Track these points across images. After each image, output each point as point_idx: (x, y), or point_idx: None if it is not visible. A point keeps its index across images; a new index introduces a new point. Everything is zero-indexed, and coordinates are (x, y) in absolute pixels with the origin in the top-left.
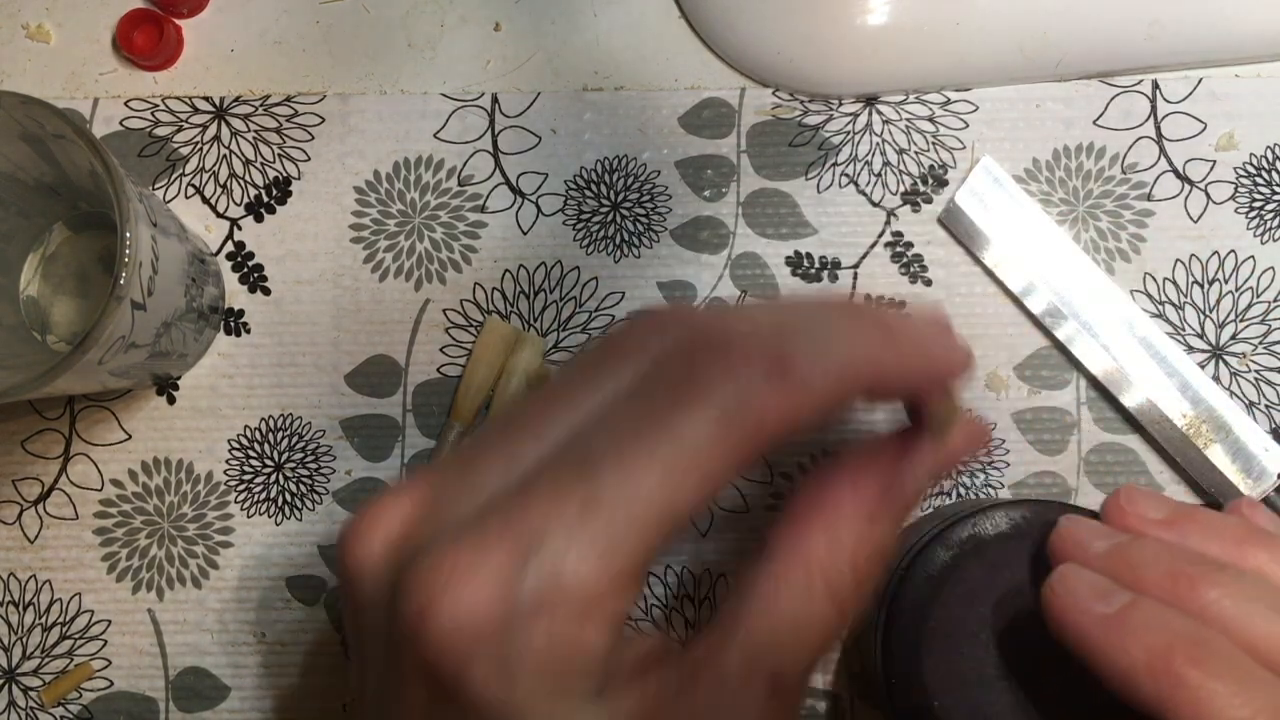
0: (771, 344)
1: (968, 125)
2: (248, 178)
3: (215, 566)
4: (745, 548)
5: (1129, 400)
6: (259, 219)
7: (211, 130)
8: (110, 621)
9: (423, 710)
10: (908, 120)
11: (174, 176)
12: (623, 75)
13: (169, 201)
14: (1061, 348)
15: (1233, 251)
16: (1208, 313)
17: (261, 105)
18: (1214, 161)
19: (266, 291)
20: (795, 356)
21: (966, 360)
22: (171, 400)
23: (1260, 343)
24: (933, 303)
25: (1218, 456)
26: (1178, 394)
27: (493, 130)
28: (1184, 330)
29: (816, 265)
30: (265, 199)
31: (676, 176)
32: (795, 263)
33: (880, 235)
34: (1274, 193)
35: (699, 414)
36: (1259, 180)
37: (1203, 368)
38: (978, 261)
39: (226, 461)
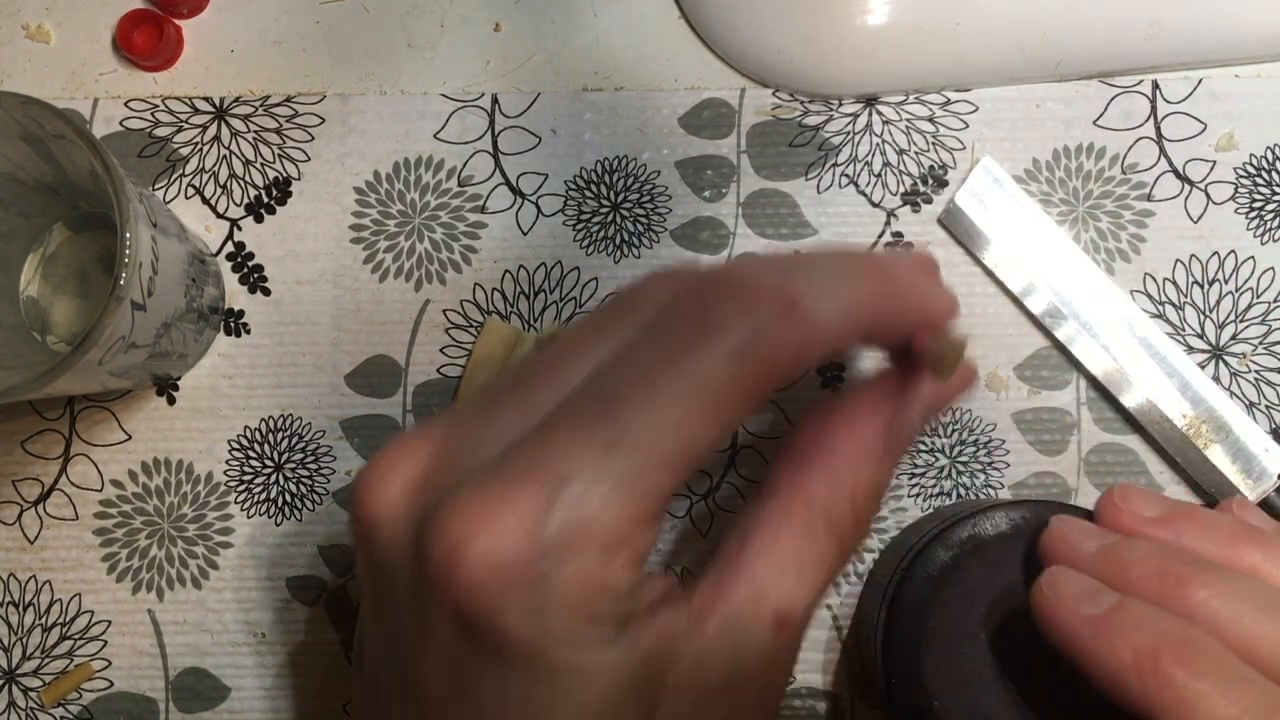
0: (781, 283)
1: (968, 125)
2: (248, 178)
3: (215, 567)
4: None
5: (1129, 400)
6: (259, 219)
7: (211, 130)
8: (110, 622)
9: (449, 652)
10: (908, 120)
11: (174, 177)
12: (623, 75)
13: (169, 202)
14: (1061, 348)
15: (1233, 252)
16: (1208, 313)
17: (261, 106)
18: (1214, 162)
19: (266, 292)
20: (804, 296)
21: (953, 304)
22: (171, 401)
23: (1260, 343)
24: (921, 245)
25: (1218, 457)
26: (1178, 394)
27: (493, 130)
28: (1184, 330)
29: None
30: (265, 199)
31: (676, 177)
32: None
33: (880, 236)
34: (1274, 193)
35: (715, 351)
36: (1259, 180)
37: (1203, 368)
38: (978, 262)
39: (226, 462)
